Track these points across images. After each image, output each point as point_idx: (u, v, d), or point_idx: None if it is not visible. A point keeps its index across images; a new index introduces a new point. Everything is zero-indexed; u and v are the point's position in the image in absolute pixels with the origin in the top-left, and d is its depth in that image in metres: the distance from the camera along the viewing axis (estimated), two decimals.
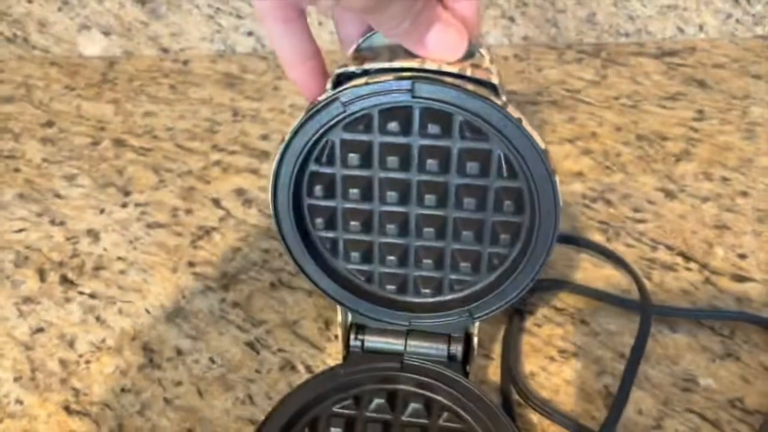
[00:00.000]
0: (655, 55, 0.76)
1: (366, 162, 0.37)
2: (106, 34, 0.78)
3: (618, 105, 0.68)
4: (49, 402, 0.44)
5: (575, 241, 0.53)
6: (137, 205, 0.59)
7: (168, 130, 0.67)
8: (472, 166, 0.36)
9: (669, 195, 0.58)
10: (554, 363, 0.46)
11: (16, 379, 0.45)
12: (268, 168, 0.62)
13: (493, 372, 0.45)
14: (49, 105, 0.71)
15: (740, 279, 0.51)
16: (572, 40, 0.79)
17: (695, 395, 0.43)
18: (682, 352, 0.46)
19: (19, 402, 0.44)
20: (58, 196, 0.60)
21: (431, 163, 0.36)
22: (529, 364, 0.46)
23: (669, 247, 0.53)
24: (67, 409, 0.44)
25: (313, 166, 0.38)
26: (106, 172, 0.62)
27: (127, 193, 0.60)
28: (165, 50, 0.79)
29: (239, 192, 0.60)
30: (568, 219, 0.56)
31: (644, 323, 0.45)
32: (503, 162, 0.36)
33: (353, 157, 0.37)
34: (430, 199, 0.37)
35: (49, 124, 0.68)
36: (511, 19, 0.78)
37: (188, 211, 0.58)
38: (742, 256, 0.52)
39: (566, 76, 0.73)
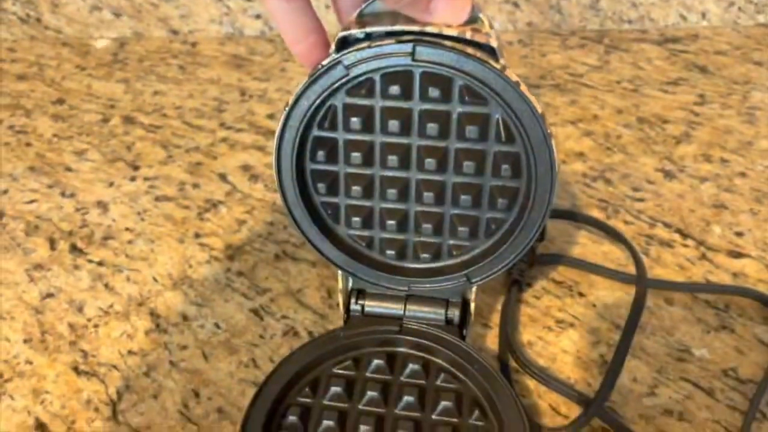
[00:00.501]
0: (657, 41, 0.76)
1: (368, 126, 0.38)
2: (117, 15, 0.79)
3: (620, 89, 0.69)
4: (57, 363, 0.45)
5: (574, 216, 0.54)
6: (146, 179, 0.60)
7: (177, 109, 0.69)
8: (471, 130, 0.37)
9: (668, 175, 0.59)
10: (551, 333, 0.47)
11: (26, 341, 0.47)
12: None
13: (492, 341, 0.46)
14: (61, 83, 0.72)
15: (736, 255, 0.51)
16: (576, 27, 0.80)
17: (689, 365, 0.44)
18: (678, 324, 0.47)
19: (29, 362, 0.45)
20: (68, 169, 0.61)
21: (431, 127, 0.37)
22: (527, 334, 0.47)
23: (667, 225, 0.54)
24: (76, 369, 0.45)
25: (315, 131, 0.39)
26: (115, 147, 0.64)
27: (135, 168, 0.61)
28: (174, 32, 0.81)
29: (245, 168, 0.61)
30: (568, 197, 0.57)
31: (639, 294, 0.46)
32: (501, 126, 0.37)
33: (355, 121, 0.38)
34: (430, 163, 0.38)
35: (60, 101, 0.70)
36: (516, 5, 0.79)
37: (195, 186, 0.59)
38: (739, 234, 0.53)
39: (569, 61, 0.74)
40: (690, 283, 0.49)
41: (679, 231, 0.53)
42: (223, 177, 0.60)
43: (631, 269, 0.50)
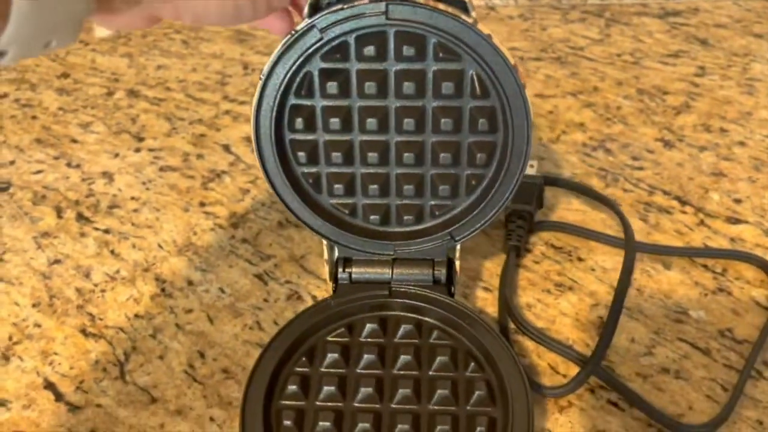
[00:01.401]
0: (658, 15, 0.77)
1: (344, 91, 0.39)
2: None
3: (620, 61, 0.69)
4: (66, 326, 0.46)
5: (561, 183, 0.54)
6: (150, 150, 0.61)
7: (180, 82, 0.69)
8: (446, 87, 0.37)
9: (668, 145, 0.59)
10: (551, 296, 0.47)
11: (35, 305, 0.48)
12: None
13: (492, 304, 0.47)
14: (65, 58, 0.73)
15: (734, 221, 0.52)
16: (576, 1, 0.80)
17: (686, 326, 0.45)
18: (675, 287, 0.48)
19: (38, 325, 0.46)
20: (74, 141, 0.62)
21: (408, 86, 0.38)
22: (526, 297, 0.47)
23: (665, 192, 0.55)
24: (84, 331, 0.46)
25: (293, 100, 0.39)
26: (120, 120, 0.64)
27: (140, 139, 0.62)
28: None
29: (249, 139, 0.62)
30: (568, 166, 0.57)
31: (628, 255, 0.47)
32: (476, 81, 0.37)
33: (332, 86, 0.38)
34: (408, 123, 0.39)
35: (65, 75, 0.70)
36: None
37: (199, 156, 0.60)
38: (737, 201, 0.54)
39: (570, 35, 0.74)
40: (686, 247, 0.50)
41: (677, 198, 0.54)
42: (226, 148, 0.61)
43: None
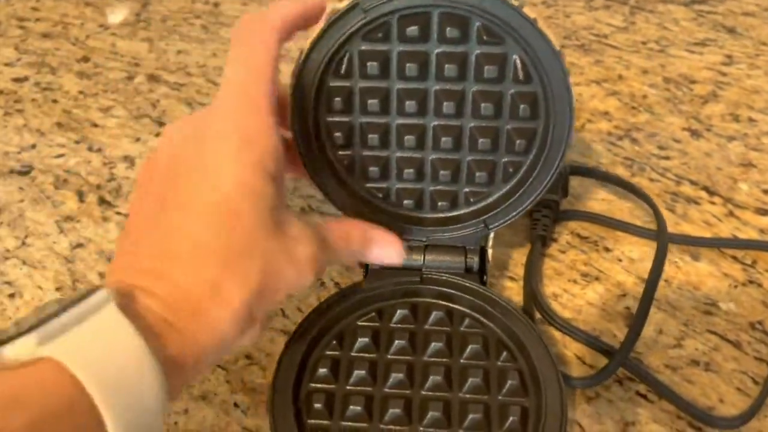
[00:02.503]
0: (683, 2, 0.75)
1: (384, 72, 0.38)
2: None
3: (645, 49, 0.68)
4: None
5: (593, 173, 0.53)
6: None
7: (200, 67, 0.69)
8: (489, 70, 0.37)
9: (695, 134, 0.58)
10: (577, 286, 0.47)
11: (58, 289, 0.48)
12: None
13: (517, 293, 0.47)
14: (85, 42, 0.72)
15: (764, 212, 0.51)
16: None
17: (716, 318, 0.44)
18: (704, 279, 0.47)
19: None
20: (94, 125, 0.62)
21: (449, 69, 0.37)
22: (552, 286, 0.47)
23: (693, 182, 0.54)
24: None
25: (331, 80, 0.39)
26: (140, 104, 0.64)
27: (161, 124, 0.62)
28: None
29: None
30: (593, 155, 0.57)
31: (661, 245, 0.46)
32: (519, 66, 0.37)
33: (372, 66, 0.38)
34: (448, 106, 0.38)
35: (85, 59, 0.70)
36: None
37: None
38: (767, 192, 0.53)
39: (594, 22, 0.73)
40: (715, 238, 0.49)
41: (705, 188, 0.53)
42: None
43: (655, 226, 0.50)
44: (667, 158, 0.56)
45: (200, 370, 0.31)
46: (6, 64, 0.70)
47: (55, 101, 0.64)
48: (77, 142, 0.60)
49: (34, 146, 0.60)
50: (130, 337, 0.27)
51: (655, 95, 0.63)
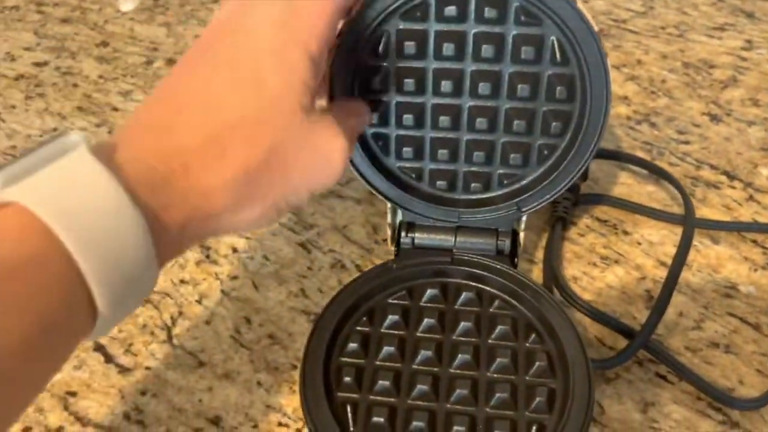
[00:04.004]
0: None
1: (421, 51, 0.38)
2: None
3: (664, 34, 0.68)
4: None
5: (619, 156, 0.53)
6: None
7: None
8: (526, 51, 0.37)
9: (715, 119, 0.58)
10: (596, 268, 0.47)
11: None
12: None
13: (536, 275, 0.47)
14: (104, 27, 0.73)
15: None
16: None
17: (736, 301, 0.45)
18: (724, 262, 0.47)
19: None
20: (115, 109, 0.62)
21: (486, 50, 0.37)
22: (572, 269, 0.47)
23: (713, 167, 0.54)
24: None
25: (368, 60, 0.39)
26: None
27: None
28: None
29: None
30: (612, 139, 0.57)
31: (688, 229, 0.46)
32: (557, 47, 0.37)
33: (409, 46, 0.38)
34: (484, 87, 0.38)
35: (104, 44, 0.70)
36: None
37: None
38: None
39: (612, 7, 0.72)
40: (737, 222, 0.49)
41: (726, 173, 0.53)
42: None
43: (676, 210, 0.50)
44: (686, 143, 0.56)
45: (188, 236, 0.29)
46: (26, 49, 0.70)
47: (75, 85, 0.65)
48: (98, 126, 0.60)
49: (55, 129, 0.60)
50: (104, 180, 0.25)
51: (674, 80, 0.62)
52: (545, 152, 0.40)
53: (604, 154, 0.53)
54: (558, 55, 0.37)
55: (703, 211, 0.50)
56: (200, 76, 0.31)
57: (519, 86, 0.38)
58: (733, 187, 0.52)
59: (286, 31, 0.31)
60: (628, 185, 0.53)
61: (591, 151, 0.38)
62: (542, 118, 0.39)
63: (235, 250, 0.49)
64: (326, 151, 0.33)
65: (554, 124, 0.39)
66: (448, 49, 0.37)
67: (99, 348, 0.43)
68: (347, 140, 0.34)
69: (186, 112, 0.30)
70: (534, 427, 0.35)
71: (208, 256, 0.49)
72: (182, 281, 0.47)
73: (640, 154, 0.55)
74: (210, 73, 0.30)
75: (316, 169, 0.33)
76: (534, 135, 0.40)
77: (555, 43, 0.36)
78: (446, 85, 0.39)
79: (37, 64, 0.68)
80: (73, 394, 0.41)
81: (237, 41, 0.31)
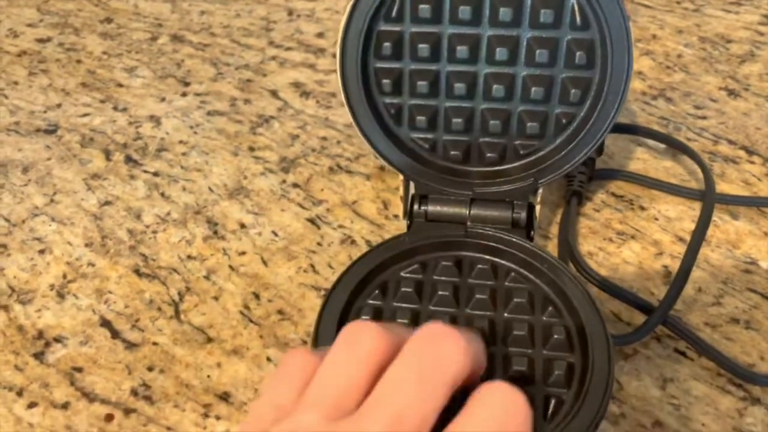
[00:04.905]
0: None
1: (436, 16, 0.37)
2: None
3: (680, 9, 0.67)
4: (119, 265, 0.46)
5: (636, 130, 0.52)
6: (197, 94, 0.60)
7: (225, 28, 0.68)
8: (545, 15, 0.36)
9: (732, 93, 0.57)
10: (612, 244, 0.46)
11: (87, 245, 0.47)
12: (325, 63, 0.62)
13: (551, 251, 0.46)
14: (107, 3, 0.72)
15: None
16: None
17: (756, 276, 0.43)
18: (744, 237, 0.46)
19: (91, 264, 0.46)
20: (119, 85, 0.61)
21: (504, 13, 0.36)
22: (587, 245, 0.46)
23: (731, 142, 0.52)
24: (137, 272, 0.45)
25: (382, 25, 0.38)
26: (165, 64, 0.63)
27: (186, 84, 0.61)
28: None
29: (296, 85, 0.61)
30: (628, 114, 0.55)
31: (707, 204, 0.45)
32: (577, 11, 0.35)
33: (424, 9, 0.37)
34: (501, 53, 0.37)
35: (108, 20, 0.69)
36: None
37: (246, 101, 0.59)
38: None
39: None
40: (756, 197, 0.48)
41: (744, 148, 0.52)
42: (274, 93, 0.60)
43: (693, 185, 0.49)
44: (703, 118, 0.55)
45: None
46: (28, 25, 0.69)
47: (79, 61, 0.64)
48: (102, 102, 0.59)
49: (59, 105, 0.59)
50: None
51: (691, 55, 0.61)
52: (564, 121, 0.39)
53: (620, 128, 0.52)
54: (578, 19, 0.35)
55: (721, 187, 0.49)
56: None
57: (537, 52, 0.37)
58: (752, 162, 0.51)
59: None
60: (644, 160, 0.51)
61: (610, 120, 0.37)
62: (561, 86, 0.38)
63: (243, 226, 0.48)
64: None
65: (573, 91, 0.37)
66: (464, 12, 0.36)
67: (105, 323, 0.42)
68: None
69: None
70: (552, 402, 0.34)
71: (215, 232, 0.48)
72: (189, 257, 0.46)
73: (656, 129, 0.54)
74: None
75: None
76: (552, 103, 0.38)
77: (575, 5, 0.35)
78: (462, 51, 0.37)
79: (40, 41, 0.67)
80: (79, 369, 0.40)
81: None
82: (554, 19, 0.36)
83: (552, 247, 0.46)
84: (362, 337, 0.25)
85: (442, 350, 0.24)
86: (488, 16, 0.36)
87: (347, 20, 0.37)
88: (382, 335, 0.25)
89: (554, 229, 0.47)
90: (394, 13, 0.37)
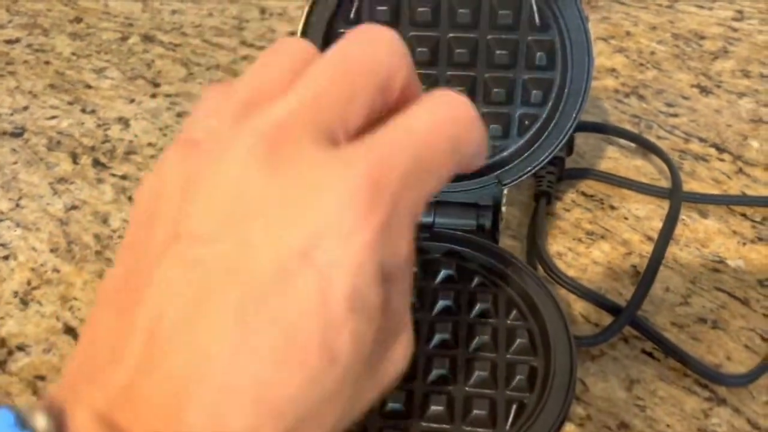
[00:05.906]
0: None
1: (395, 18, 0.37)
2: None
3: (654, 5, 0.66)
4: (84, 271, 0.45)
5: (605, 129, 0.52)
6: (167, 96, 0.59)
7: (196, 27, 0.67)
8: (504, 16, 0.35)
9: (704, 91, 0.57)
10: (582, 244, 0.46)
11: (53, 251, 0.47)
12: None
13: (520, 252, 0.46)
14: (77, 2, 0.71)
15: None
16: None
17: (724, 275, 0.43)
18: (712, 236, 0.46)
19: (56, 270, 0.45)
20: (88, 86, 0.60)
21: (462, 15, 0.36)
22: (557, 245, 0.46)
23: (702, 140, 0.52)
24: (103, 277, 0.45)
25: (341, 27, 0.37)
26: (135, 65, 0.63)
27: (156, 85, 0.60)
28: None
29: None
30: (599, 113, 0.55)
31: (674, 202, 0.45)
32: (536, 12, 0.35)
33: (383, 12, 0.36)
34: (460, 55, 0.37)
35: (78, 20, 0.68)
36: None
37: None
38: None
39: None
40: (725, 195, 0.48)
41: (714, 146, 0.52)
42: None
43: (663, 184, 0.49)
44: (675, 115, 0.55)
45: None
46: None
47: (47, 63, 0.63)
48: (70, 104, 0.59)
49: (26, 108, 0.58)
50: None
51: (664, 52, 0.61)
52: (526, 123, 0.39)
53: (590, 127, 0.52)
54: (537, 20, 0.35)
55: (691, 185, 0.49)
56: (204, 326, 0.19)
57: (497, 53, 0.36)
58: (722, 160, 0.51)
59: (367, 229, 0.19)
60: (614, 159, 0.51)
61: (573, 120, 0.37)
62: (522, 87, 0.37)
63: None
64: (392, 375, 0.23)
65: (534, 92, 0.37)
66: (423, 15, 0.36)
67: (69, 331, 0.42)
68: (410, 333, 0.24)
69: (196, 397, 0.18)
70: (513, 406, 0.33)
71: None
72: None
73: (628, 127, 0.54)
74: (224, 324, 0.19)
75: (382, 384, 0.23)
76: (514, 105, 0.38)
77: (534, 7, 0.35)
78: (422, 53, 0.37)
79: (9, 42, 0.66)
80: (41, 378, 0.40)
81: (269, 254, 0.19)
82: (513, 20, 0.35)
83: (521, 248, 0.46)
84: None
85: (374, 48, 0.22)
86: (447, 18, 0.36)
87: (304, 23, 0.37)
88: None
89: (524, 230, 0.47)
90: (352, 15, 0.37)
